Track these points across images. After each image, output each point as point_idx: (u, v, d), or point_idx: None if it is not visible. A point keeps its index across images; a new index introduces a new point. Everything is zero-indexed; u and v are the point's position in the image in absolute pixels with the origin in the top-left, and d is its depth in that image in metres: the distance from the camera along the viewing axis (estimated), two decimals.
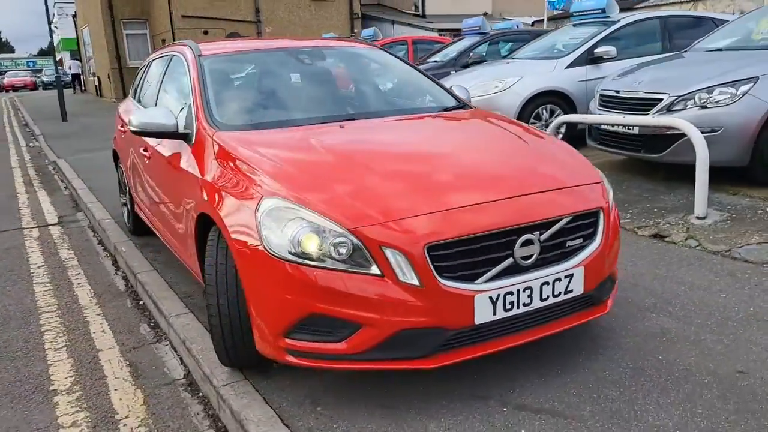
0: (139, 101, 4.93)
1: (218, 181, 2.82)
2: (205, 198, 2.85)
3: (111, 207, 6.49)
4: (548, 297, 2.49)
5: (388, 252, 2.27)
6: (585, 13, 8.48)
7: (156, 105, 4.23)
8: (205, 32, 26.77)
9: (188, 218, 3.17)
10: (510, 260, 2.41)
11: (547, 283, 2.47)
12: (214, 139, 3.10)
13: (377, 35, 16.73)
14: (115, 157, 5.56)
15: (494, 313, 2.38)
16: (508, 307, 2.40)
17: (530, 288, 2.44)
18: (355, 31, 30.48)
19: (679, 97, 5.12)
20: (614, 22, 7.78)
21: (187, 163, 3.23)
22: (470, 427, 2.35)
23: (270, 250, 2.38)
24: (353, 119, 3.39)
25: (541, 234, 2.47)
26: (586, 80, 7.39)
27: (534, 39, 9.13)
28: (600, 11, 8.13)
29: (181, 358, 3.33)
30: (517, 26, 12.31)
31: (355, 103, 3.80)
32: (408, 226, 2.32)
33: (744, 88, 4.89)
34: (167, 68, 4.24)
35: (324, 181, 2.59)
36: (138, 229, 5.20)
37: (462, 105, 3.85)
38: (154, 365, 3.31)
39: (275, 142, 3.06)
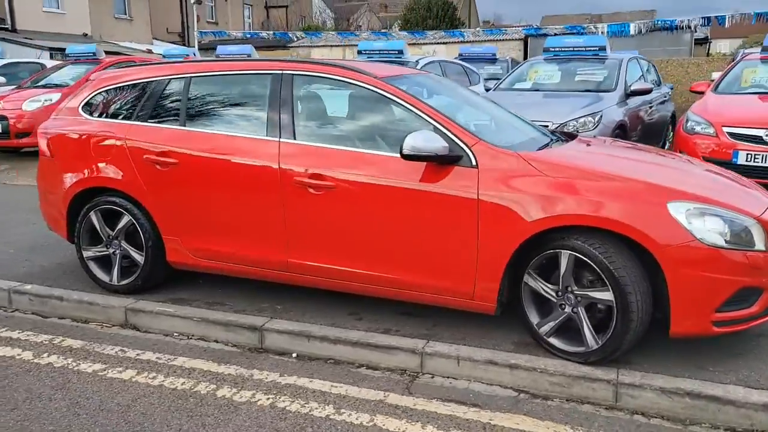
0: (184, 124, 4.05)
1: (581, 196, 3.11)
2: (562, 212, 3.10)
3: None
4: None
5: None
6: (377, 51, 9.68)
7: (290, 132, 3.73)
8: None
9: (497, 241, 3.23)
10: None
11: None
12: (527, 160, 3.30)
13: None
14: (84, 198, 4.26)
15: None
16: None
17: None
18: None
19: (561, 123, 6.85)
20: (415, 62, 9.21)
21: (490, 186, 3.26)
22: None
23: (706, 243, 2.96)
24: (562, 141, 3.93)
25: None
26: None
27: None
28: (397, 51, 9.44)
29: (479, 380, 3.31)
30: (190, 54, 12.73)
31: (530, 126, 4.25)
32: None
33: (599, 117, 6.93)
34: (299, 93, 3.82)
35: (681, 183, 3.25)
36: (152, 282, 4.23)
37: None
38: (469, 393, 3.22)
39: (584, 156, 3.49)
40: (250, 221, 3.83)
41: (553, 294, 3.28)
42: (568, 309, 3.24)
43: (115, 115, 4.31)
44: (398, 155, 3.40)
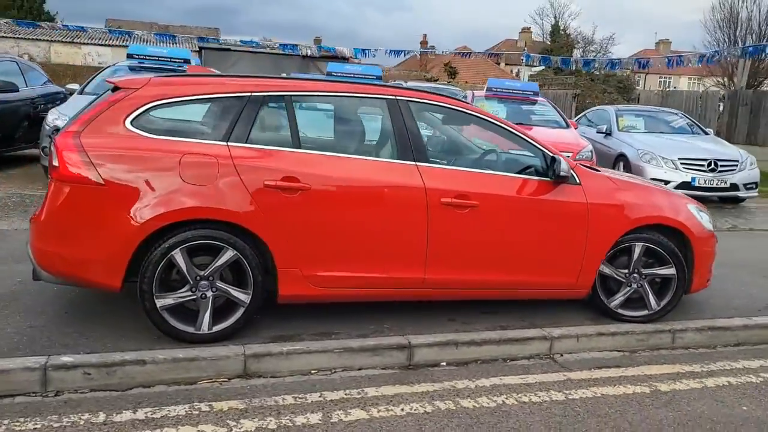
0: (300, 146, 3.76)
1: (653, 204, 4.41)
2: (648, 214, 4.35)
3: None
4: None
5: None
6: (155, 58, 8.81)
7: (423, 155, 3.94)
8: None
9: (599, 239, 4.25)
10: None
11: None
12: (609, 178, 4.43)
13: None
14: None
15: None
16: None
17: None
18: None
19: None
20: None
21: (593, 197, 4.24)
22: None
23: (708, 229, 4.62)
24: None
25: None
26: None
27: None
28: (182, 60, 8.80)
29: (592, 350, 4.28)
30: None
31: None
32: None
33: None
34: (421, 119, 4.04)
35: (677, 192, 4.85)
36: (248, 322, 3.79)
37: None
38: (598, 360, 4.17)
39: (624, 176, 4.72)
40: (390, 243, 3.88)
41: (622, 276, 4.47)
42: (634, 285, 4.48)
43: (194, 134, 3.63)
44: (516, 175, 4.15)
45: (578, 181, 4.27)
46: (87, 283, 3.61)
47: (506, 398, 3.51)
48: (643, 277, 4.48)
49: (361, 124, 4.13)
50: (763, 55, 13.93)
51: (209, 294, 3.62)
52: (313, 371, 3.70)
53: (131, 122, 3.55)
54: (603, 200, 4.29)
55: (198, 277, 3.59)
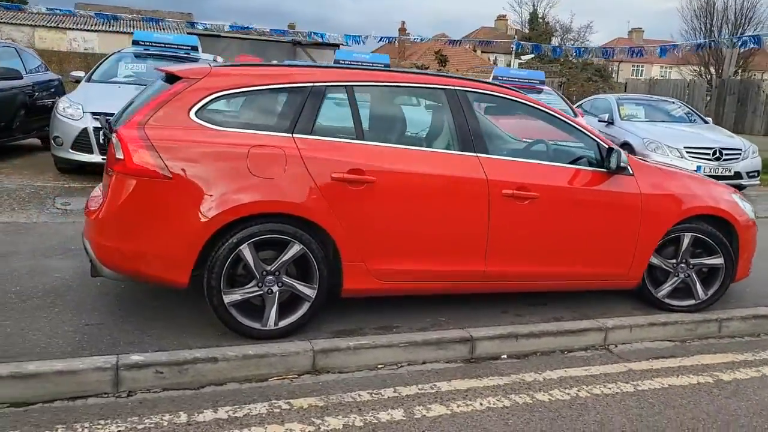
0: (363, 138, 3.69)
1: (699, 194, 4.43)
2: (699, 204, 4.37)
3: None
4: None
5: None
6: (161, 44, 8.57)
7: (483, 147, 3.89)
8: None
9: (652, 230, 4.26)
10: None
11: None
12: (659, 168, 4.45)
13: None
14: (224, 229, 3.35)
15: None
16: None
17: None
18: None
19: None
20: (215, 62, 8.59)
21: (646, 188, 4.23)
22: None
23: (750, 217, 4.66)
24: None
25: None
26: None
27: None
28: (190, 47, 8.58)
29: (644, 340, 4.31)
30: None
31: None
32: None
33: None
34: (478, 110, 3.97)
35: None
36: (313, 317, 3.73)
37: None
38: (654, 350, 4.19)
39: (665, 165, 4.72)
40: (452, 236, 3.84)
41: (670, 266, 4.50)
42: (681, 275, 4.51)
43: (258, 126, 3.54)
44: (572, 165, 4.13)
45: (631, 171, 4.27)
46: (152, 279, 3.50)
47: (578, 391, 3.51)
48: (691, 267, 4.51)
49: (420, 114, 4.08)
50: (757, 45, 14.12)
51: (275, 289, 3.54)
52: (379, 366, 3.65)
53: (195, 113, 3.44)
54: (655, 190, 4.30)
55: (264, 272, 3.51)
